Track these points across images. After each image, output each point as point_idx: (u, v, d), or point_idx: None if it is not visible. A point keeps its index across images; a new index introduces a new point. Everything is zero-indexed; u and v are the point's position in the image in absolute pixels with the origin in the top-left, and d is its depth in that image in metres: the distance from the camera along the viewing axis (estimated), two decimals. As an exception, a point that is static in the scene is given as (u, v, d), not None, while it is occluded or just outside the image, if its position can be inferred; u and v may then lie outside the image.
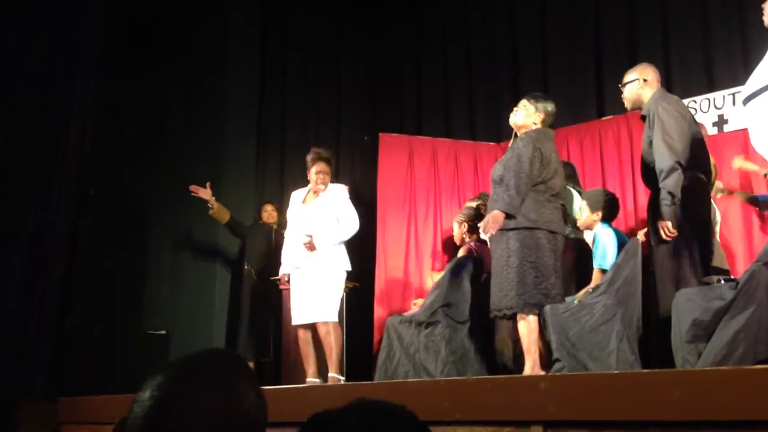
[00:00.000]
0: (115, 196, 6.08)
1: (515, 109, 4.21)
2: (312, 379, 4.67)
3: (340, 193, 4.89)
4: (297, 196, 5.04)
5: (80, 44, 5.57)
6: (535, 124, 4.08)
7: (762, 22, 3.61)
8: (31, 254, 5.21)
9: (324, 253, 4.69)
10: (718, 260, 4.61)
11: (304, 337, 4.74)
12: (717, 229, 4.73)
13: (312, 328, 4.72)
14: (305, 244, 4.70)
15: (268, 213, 6.60)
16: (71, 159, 5.46)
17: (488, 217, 3.90)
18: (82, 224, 5.69)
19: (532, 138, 3.96)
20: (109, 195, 6.01)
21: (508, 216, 3.83)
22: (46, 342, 5.21)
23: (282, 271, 5.04)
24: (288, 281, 5.03)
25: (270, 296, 6.10)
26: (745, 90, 3.66)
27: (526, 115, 4.12)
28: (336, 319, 4.70)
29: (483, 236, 5.11)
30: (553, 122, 4.20)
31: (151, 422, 1.02)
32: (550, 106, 4.13)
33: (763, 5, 3.62)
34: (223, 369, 1.09)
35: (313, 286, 4.67)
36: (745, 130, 4.80)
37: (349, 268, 4.86)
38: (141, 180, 6.33)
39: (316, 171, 4.88)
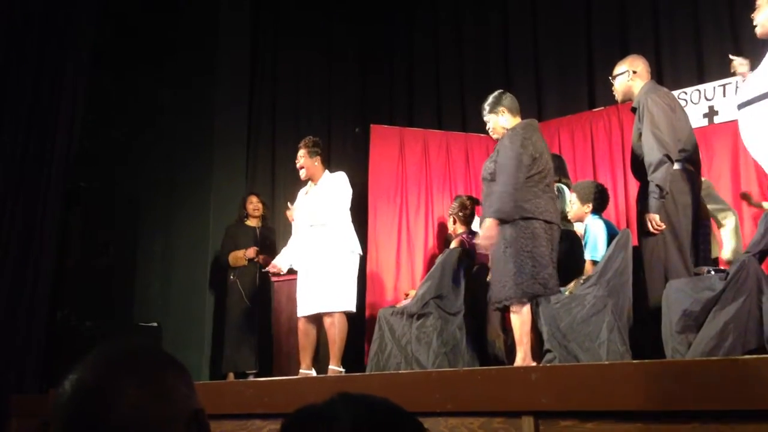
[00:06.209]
0: (105, 190, 6.06)
1: (487, 128, 4.20)
2: (305, 371, 4.67)
3: (337, 177, 4.84)
4: (303, 190, 5.04)
5: (70, 39, 5.54)
6: (509, 121, 4.08)
7: (756, 20, 3.62)
8: (21, 248, 5.19)
9: (332, 239, 4.66)
10: (714, 250, 4.64)
11: (304, 328, 4.71)
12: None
13: (316, 320, 4.69)
14: (270, 270, 5.01)
15: (254, 205, 6.18)
16: (61, 153, 5.43)
17: (483, 232, 3.89)
18: (72, 218, 5.66)
19: (520, 133, 3.93)
20: (100, 188, 5.98)
21: (502, 221, 3.82)
22: (37, 335, 5.19)
23: (275, 261, 5.04)
24: (277, 273, 5.07)
25: (255, 308, 5.93)
26: (739, 96, 3.67)
27: (495, 125, 4.11)
28: (342, 310, 4.62)
29: (474, 228, 5.14)
30: (519, 107, 4.14)
31: (74, 417, 0.97)
32: (504, 100, 4.11)
33: (752, 15, 3.63)
34: (144, 358, 1.05)
35: (321, 277, 4.62)
36: (735, 122, 4.82)
37: (360, 252, 4.80)
38: (131, 173, 6.30)
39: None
